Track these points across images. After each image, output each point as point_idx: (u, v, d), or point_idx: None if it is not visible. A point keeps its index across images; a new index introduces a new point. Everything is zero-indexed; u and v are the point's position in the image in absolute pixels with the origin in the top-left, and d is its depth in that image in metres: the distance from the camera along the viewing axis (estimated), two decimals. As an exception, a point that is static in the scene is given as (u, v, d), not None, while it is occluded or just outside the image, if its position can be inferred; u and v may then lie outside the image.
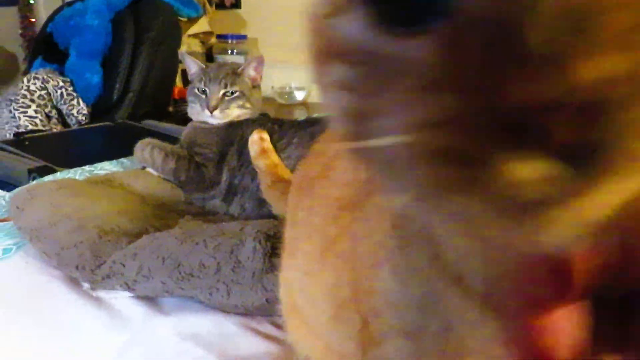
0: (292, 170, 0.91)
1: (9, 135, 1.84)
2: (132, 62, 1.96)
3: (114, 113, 1.94)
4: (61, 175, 0.99)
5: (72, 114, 1.91)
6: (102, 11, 2.01)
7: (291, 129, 0.99)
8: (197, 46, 3.10)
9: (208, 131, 1.05)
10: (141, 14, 2.07)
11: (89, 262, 0.68)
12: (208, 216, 0.95)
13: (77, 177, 0.97)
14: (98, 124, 1.60)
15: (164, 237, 0.67)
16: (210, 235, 0.66)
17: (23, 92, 1.82)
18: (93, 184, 0.90)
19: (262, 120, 1.06)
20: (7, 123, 1.85)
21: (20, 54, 3.64)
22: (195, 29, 3.03)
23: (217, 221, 0.92)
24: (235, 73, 1.07)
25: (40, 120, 1.82)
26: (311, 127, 0.98)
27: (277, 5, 2.97)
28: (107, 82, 1.95)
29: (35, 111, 1.82)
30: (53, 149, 1.41)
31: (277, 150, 0.95)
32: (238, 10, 3.08)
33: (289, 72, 3.07)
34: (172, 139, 1.54)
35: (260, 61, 1.09)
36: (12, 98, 1.85)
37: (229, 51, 2.94)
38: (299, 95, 2.83)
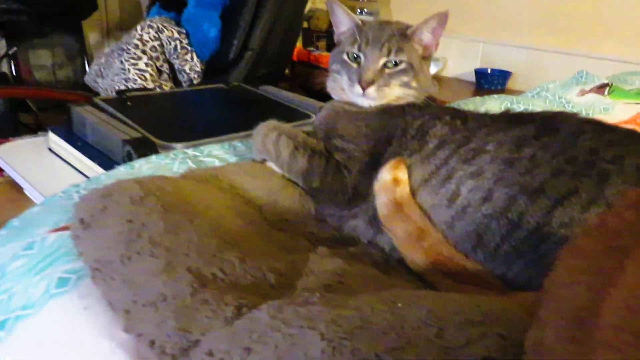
0: (485, 202, 0.57)
1: (118, 87, 1.67)
2: (255, 16, 1.69)
3: (229, 73, 1.70)
4: (157, 159, 0.73)
5: (184, 70, 1.69)
6: (227, -46, 1.75)
7: (482, 129, 0.65)
8: (320, 3, 2.80)
9: (355, 117, 0.74)
10: (269, -41, 1.79)
11: (172, 337, 0.41)
12: (348, 247, 0.64)
13: (175, 167, 0.71)
14: (209, 86, 1.35)
15: (300, 328, 0.37)
16: (383, 335, 0.35)
17: (135, 41, 1.63)
18: (194, 182, 0.63)
19: (432, 110, 0.72)
20: (116, 75, 1.69)
21: (144, 1, 3.57)
22: (321, -17, 2.72)
23: (360, 257, 0.62)
24: (403, 36, 0.74)
25: (150, 75, 1.63)
26: (516, 129, 0.63)
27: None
28: (225, 38, 1.71)
29: (146, 64, 1.63)
30: (156, 113, 1.19)
31: (461, 161, 0.61)
32: (372, -35, 2.71)
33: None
34: (293, 112, 1.26)
35: (443, 20, 0.74)
36: (124, 47, 1.67)
37: (358, 11, 2.61)
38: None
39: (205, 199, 0.59)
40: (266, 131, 0.73)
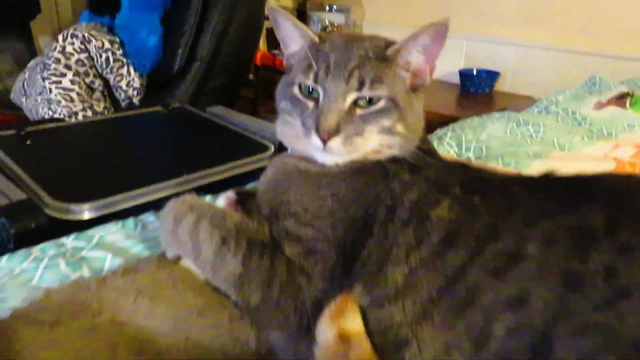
0: (539, 355, 0.33)
1: (42, 110, 1.38)
2: (202, 19, 1.42)
3: (175, 88, 1.43)
4: (8, 264, 0.47)
5: (121, 87, 1.42)
6: (166, -54, 1.47)
7: (514, 210, 0.41)
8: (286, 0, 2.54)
9: (315, 182, 0.49)
10: (218, -48, 1.51)
11: None
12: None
13: (37, 278, 0.45)
14: (141, 111, 1.09)
15: None
16: None
17: (56, 55, 1.35)
18: (44, 327, 0.37)
19: (430, 173, 0.48)
20: (39, 94, 1.40)
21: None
22: (286, -22, 2.47)
23: None
24: (382, 58, 0.49)
25: (78, 95, 1.35)
26: (571, 214, 0.39)
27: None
28: (168, 46, 1.43)
29: (72, 81, 1.35)
30: (63, 155, 0.92)
31: (488, 273, 0.37)
32: (341, -43, 2.45)
33: (397, 36, 2.45)
34: (248, 142, 1.00)
35: (440, 34, 0.49)
36: (45, 62, 1.38)
37: (327, 7, 2.35)
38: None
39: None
40: (179, 213, 0.47)
